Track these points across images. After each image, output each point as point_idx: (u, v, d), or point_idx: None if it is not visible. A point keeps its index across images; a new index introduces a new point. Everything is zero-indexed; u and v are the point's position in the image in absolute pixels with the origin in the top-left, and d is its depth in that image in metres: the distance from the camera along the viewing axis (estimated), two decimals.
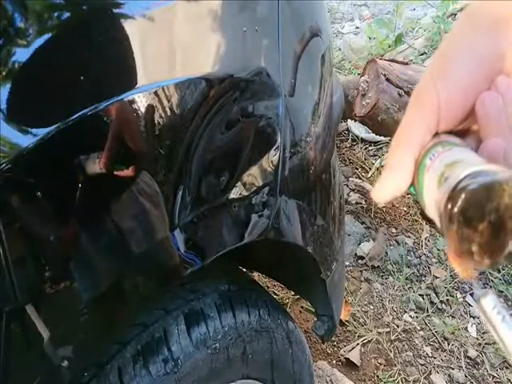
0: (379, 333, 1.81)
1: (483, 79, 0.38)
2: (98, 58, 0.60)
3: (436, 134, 0.39)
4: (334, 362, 1.72)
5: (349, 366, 1.71)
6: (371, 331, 1.80)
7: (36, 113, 0.56)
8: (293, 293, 1.82)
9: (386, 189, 0.39)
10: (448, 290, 1.97)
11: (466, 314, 1.91)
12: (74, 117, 0.56)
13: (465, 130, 0.40)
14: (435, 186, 0.35)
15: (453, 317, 1.90)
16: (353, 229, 2.13)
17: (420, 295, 1.95)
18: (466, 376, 1.71)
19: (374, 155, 2.59)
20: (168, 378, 0.80)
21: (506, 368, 1.74)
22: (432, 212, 0.36)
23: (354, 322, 1.83)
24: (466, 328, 1.86)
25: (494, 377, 1.71)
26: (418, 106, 0.40)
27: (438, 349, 1.80)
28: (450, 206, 0.32)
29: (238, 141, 0.78)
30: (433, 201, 0.35)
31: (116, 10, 0.61)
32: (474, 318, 1.90)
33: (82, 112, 0.57)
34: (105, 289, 0.66)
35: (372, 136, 2.56)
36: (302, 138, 0.91)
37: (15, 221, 0.55)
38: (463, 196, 0.32)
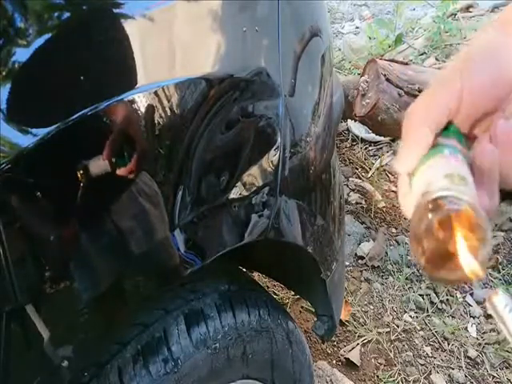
0: (379, 333, 1.81)
1: (504, 83, 0.39)
2: (98, 57, 0.60)
3: (449, 129, 0.40)
4: (334, 362, 1.72)
5: (349, 366, 1.71)
6: (371, 331, 1.80)
7: (36, 113, 0.56)
8: (293, 293, 1.82)
9: (410, 156, 0.39)
10: (448, 290, 1.96)
11: (466, 314, 1.91)
12: (74, 117, 0.56)
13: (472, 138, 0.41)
14: (440, 176, 0.36)
15: (453, 317, 1.89)
16: (353, 229, 2.13)
17: (420, 295, 1.95)
18: (466, 376, 1.71)
19: (374, 155, 2.59)
20: (168, 378, 0.80)
21: (506, 368, 1.74)
22: (416, 188, 0.38)
23: (354, 322, 1.83)
24: (466, 328, 1.86)
25: (494, 377, 1.71)
26: (440, 86, 0.40)
27: (438, 349, 1.80)
28: (431, 205, 0.34)
29: (238, 141, 0.78)
30: (425, 184, 0.36)
31: (116, 10, 0.61)
32: (473, 317, 1.90)
33: (82, 112, 0.57)
34: (105, 289, 0.66)
35: (372, 136, 2.56)
36: (302, 137, 0.91)
37: (15, 221, 0.55)
38: (447, 209, 0.33)
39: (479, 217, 0.33)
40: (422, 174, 0.38)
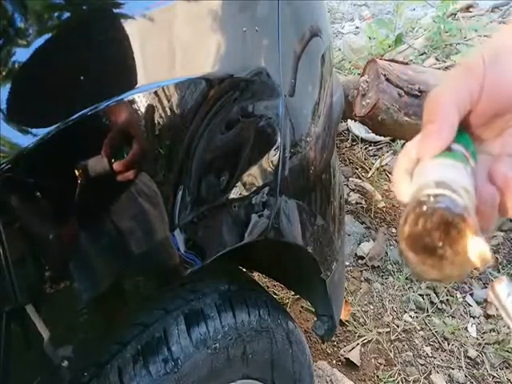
0: (379, 333, 1.81)
1: None
2: (98, 57, 0.60)
3: (460, 135, 0.39)
4: (334, 362, 1.72)
5: (349, 366, 1.71)
6: (371, 331, 1.80)
7: (36, 113, 0.56)
8: (293, 293, 1.82)
9: (433, 144, 0.38)
10: (448, 290, 1.97)
11: (466, 314, 1.91)
12: (74, 117, 0.56)
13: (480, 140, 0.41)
14: (446, 176, 0.35)
15: (453, 317, 1.89)
16: (353, 229, 2.13)
17: (420, 295, 1.95)
18: (466, 376, 1.71)
19: (374, 155, 2.59)
20: (168, 378, 0.80)
21: (506, 368, 1.74)
22: (416, 176, 0.37)
23: (354, 322, 1.83)
24: (466, 328, 1.86)
25: (494, 377, 1.71)
26: (463, 70, 0.40)
27: (438, 349, 1.80)
28: (432, 198, 0.33)
29: (238, 141, 0.78)
30: (429, 178, 0.36)
31: (116, 10, 0.61)
32: (473, 318, 1.90)
33: (82, 112, 0.57)
34: (105, 289, 0.66)
35: (372, 136, 2.56)
36: (302, 137, 0.91)
37: (15, 221, 0.55)
38: (441, 209, 0.33)
39: (473, 224, 0.33)
40: (429, 168, 0.37)
